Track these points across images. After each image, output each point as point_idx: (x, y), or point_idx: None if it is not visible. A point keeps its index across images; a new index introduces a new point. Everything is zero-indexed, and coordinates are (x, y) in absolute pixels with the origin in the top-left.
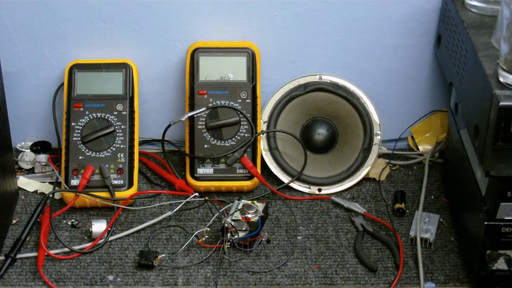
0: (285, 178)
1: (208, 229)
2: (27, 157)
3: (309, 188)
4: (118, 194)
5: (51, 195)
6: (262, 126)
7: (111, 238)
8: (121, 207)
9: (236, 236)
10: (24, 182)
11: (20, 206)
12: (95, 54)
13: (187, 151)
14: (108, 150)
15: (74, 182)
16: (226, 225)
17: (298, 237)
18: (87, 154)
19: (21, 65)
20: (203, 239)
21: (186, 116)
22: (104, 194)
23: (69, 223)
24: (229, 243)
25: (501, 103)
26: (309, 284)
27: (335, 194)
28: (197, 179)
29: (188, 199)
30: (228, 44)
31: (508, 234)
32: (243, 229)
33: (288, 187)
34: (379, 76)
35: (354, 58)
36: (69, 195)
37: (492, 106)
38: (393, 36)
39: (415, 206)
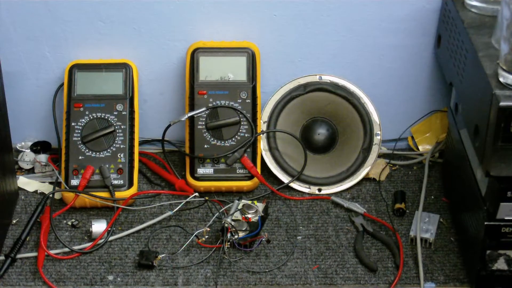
0: (285, 178)
1: (208, 229)
2: (27, 157)
3: (309, 188)
4: (118, 194)
5: (51, 195)
6: (262, 126)
7: (111, 238)
8: (121, 207)
9: (236, 236)
10: (24, 182)
11: (20, 206)
12: (95, 54)
13: (187, 151)
14: (108, 150)
15: (74, 182)
16: (226, 225)
17: (298, 237)
18: (87, 154)
19: (21, 65)
20: (203, 239)
21: (186, 116)
22: (104, 194)
23: (69, 223)
24: (229, 243)
25: (501, 103)
26: (309, 284)
27: (335, 194)
28: (197, 179)
29: (188, 199)
30: (228, 44)
31: (508, 234)
32: (243, 229)
33: (288, 187)
34: (379, 76)
35: (354, 58)
36: (69, 195)
37: (492, 106)
38: (393, 36)
39: (415, 206)
